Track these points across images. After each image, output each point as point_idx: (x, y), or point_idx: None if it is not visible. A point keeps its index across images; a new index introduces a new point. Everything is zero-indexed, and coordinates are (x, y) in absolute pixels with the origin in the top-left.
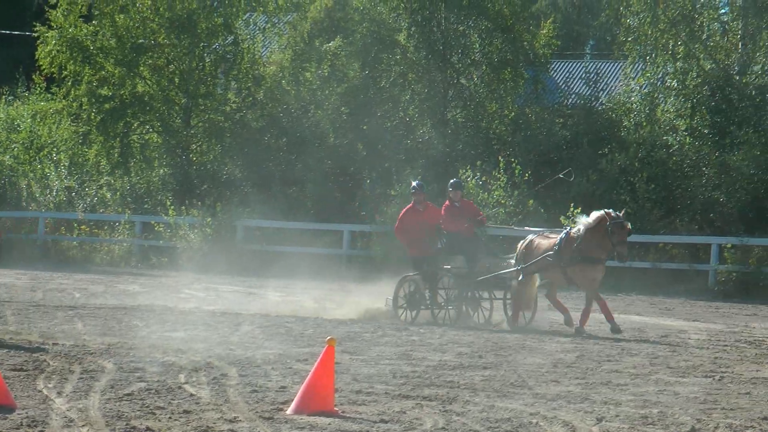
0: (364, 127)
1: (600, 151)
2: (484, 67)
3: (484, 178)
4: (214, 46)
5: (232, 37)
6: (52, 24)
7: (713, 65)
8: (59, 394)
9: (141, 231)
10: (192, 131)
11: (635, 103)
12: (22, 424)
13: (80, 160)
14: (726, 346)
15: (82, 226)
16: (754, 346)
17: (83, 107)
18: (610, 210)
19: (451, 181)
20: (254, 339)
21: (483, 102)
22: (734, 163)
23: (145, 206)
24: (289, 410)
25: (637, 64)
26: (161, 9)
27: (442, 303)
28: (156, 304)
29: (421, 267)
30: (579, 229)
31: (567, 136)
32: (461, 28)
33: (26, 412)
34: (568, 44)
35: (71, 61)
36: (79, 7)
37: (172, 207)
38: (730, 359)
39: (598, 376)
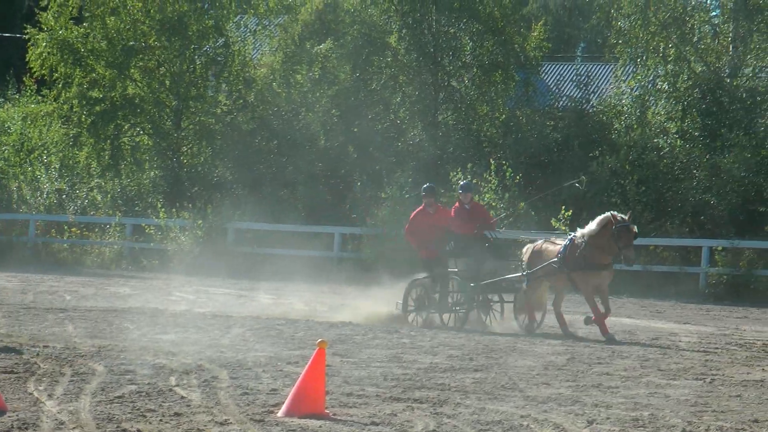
0: (355, 130)
1: (591, 154)
2: (475, 70)
3: (475, 181)
4: (204, 49)
5: (223, 40)
6: (43, 26)
7: (704, 68)
8: (50, 396)
9: (132, 233)
10: (183, 133)
11: (626, 105)
12: (12, 427)
13: (71, 162)
14: (717, 348)
15: (73, 229)
16: (744, 348)
17: (74, 109)
18: (615, 213)
19: (461, 183)
20: (245, 341)
21: (474, 104)
22: (725, 165)
23: (136, 208)
24: (280, 413)
25: (627, 67)
26: (152, 11)
27: (452, 306)
28: (147, 307)
29: (432, 269)
30: (583, 235)
31: (558, 138)
32: (452, 30)
33: (17, 415)
34: (559, 47)
35: (62, 64)
36: (70, 9)
37: (163, 209)
38: (720, 362)
39: (588, 378)
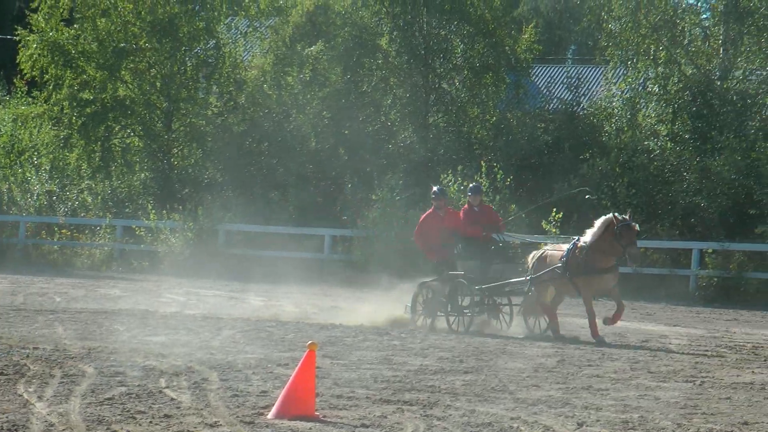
0: (346, 132)
1: (581, 156)
2: (465, 72)
3: (465, 183)
4: (195, 50)
5: (214, 42)
6: (34, 28)
7: (694, 70)
8: (40, 398)
9: (122, 235)
10: (173, 135)
11: (617, 108)
12: (2, 429)
13: (61, 164)
14: (707, 351)
15: (63, 230)
16: (734, 351)
17: (64, 111)
18: (616, 213)
19: (471, 185)
20: (235, 343)
21: (465, 106)
22: (715, 168)
23: (126, 210)
24: (270, 415)
25: (618, 69)
26: (143, 13)
27: (463, 309)
28: (137, 309)
29: (442, 272)
30: (586, 241)
31: (548, 140)
32: (443, 32)
33: (6, 417)
34: (550, 49)
35: (52, 65)
36: (61, 10)
37: (154, 211)
38: (710, 364)
39: (578, 380)
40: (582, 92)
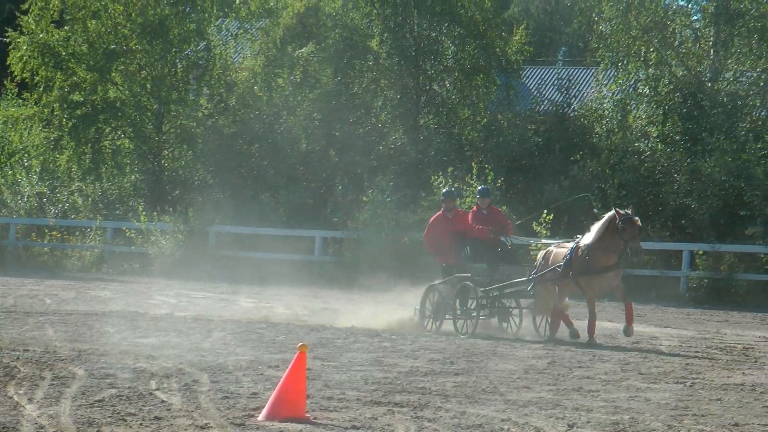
0: (337, 133)
1: (572, 158)
2: (456, 74)
3: (456, 185)
4: (186, 52)
5: (204, 43)
6: (24, 29)
7: (685, 72)
8: (30, 400)
9: (112, 237)
10: (164, 137)
11: (607, 109)
12: None
13: (51, 165)
14: (697, 352)
15: (54, 232)
16: (725, 352)
17: (55, 113)
18: (618, 208)
19: (480, 188)
20: (226, 345)
21: (455, 108)
22: (706, 169)
23: (117, 212)
24: (261, 416)
25: (609, 71)
26: (133, 15)
27: (471, 312)
28: (127, 311)
29: (449, 275)
30: (588, 240)
31: (539, 142)
32: (434, 34)
33: None
34: (541, 50)
35: (43, 67)
36: (51, 12)
37: (144, 213)
38: (701, 365)
39: (569, 382)
40: (573, 94)
